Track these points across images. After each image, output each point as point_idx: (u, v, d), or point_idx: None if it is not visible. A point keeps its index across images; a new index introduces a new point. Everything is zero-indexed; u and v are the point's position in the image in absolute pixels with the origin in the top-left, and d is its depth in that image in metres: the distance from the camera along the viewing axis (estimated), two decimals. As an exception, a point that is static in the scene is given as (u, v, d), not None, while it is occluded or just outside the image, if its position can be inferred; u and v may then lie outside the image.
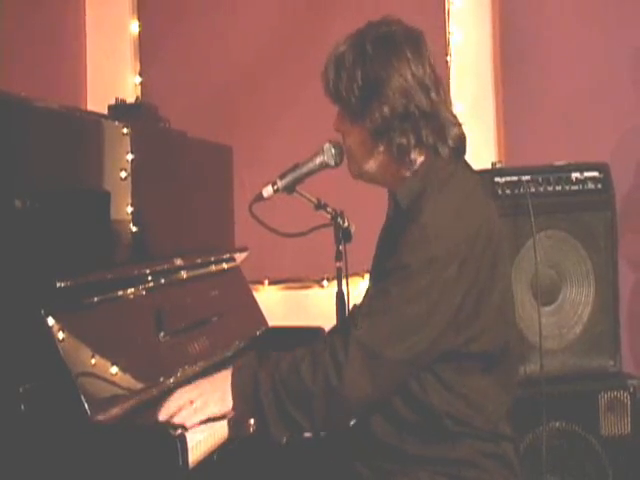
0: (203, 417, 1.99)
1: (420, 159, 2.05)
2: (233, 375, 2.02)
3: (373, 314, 1.97)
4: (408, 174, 2.06)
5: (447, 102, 2.10)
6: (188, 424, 1.96)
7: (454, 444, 2.01)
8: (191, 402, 2.00)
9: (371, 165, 2.09)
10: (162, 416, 1.98)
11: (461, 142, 2.10)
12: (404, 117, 2.00)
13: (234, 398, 1.99)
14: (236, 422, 2.03)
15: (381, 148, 2.05)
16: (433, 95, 2.03)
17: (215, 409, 2.00)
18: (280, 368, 1.99)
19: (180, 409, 1.99)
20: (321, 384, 1.94)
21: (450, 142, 2.05)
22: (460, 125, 2.10)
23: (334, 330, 2.47)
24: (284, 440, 2.05)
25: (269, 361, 2.04)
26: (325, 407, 1.95)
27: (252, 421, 2.02)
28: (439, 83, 2.07)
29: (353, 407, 1.98)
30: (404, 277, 1.94)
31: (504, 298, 2.06)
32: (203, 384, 2.06)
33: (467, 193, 2.04)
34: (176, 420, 1.97)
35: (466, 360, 2.00)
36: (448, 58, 3.98)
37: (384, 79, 2.00)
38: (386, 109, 2.00)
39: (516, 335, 2.16)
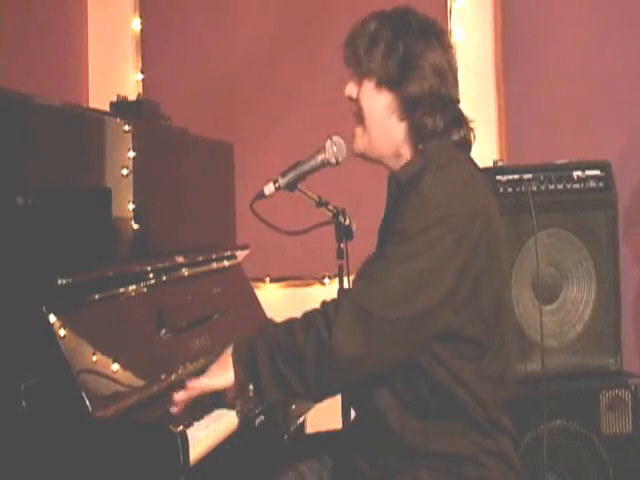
0: (204, 388, 2.04)
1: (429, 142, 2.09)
2: (234, 345, 2.06)
3: (367, 275, 1.99)
4: (410, 153, 2.10)
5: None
6: (193, 392, 2.03)
7: (453, 437, 2.02)
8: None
9: (386, 135, 2.10)
10: (176, 397, 2.05)
11: (468, 137, 2.14)
12: (436, 97, 2.06)
13: (234, 366, 2.02)
14: (237, 388, 2.04)
15: (406, 120, 2.08)
16: (456, 85, 2.11)
17: (217, 378, 2.04)
18: (276, 332, 2.02)
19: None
20: (312, 341, 1.94)
21: (458, 133, 2.11)
22: (468, 122, 2.15)
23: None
24: (279, 404, 2.07)
25: (267, 328, 2.07)
26: (316, 365, 1.94)
27: (251, 386, 2.02)
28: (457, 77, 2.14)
29: (344, 365, 1.95)
30: (399, 240, 1.96)
31: (503, 291, 2.09)
32: (210, 367, 2.10)
33: (468, 177, 2.07)
34: (179, 394, 2.03)
35: (463, 343, 2.00)
36: (450, 56, 3.97)
37: (425, 55, 2.06)
38: (425, 84, 2.05)
39: (513, 330, 2.18)
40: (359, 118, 2.14)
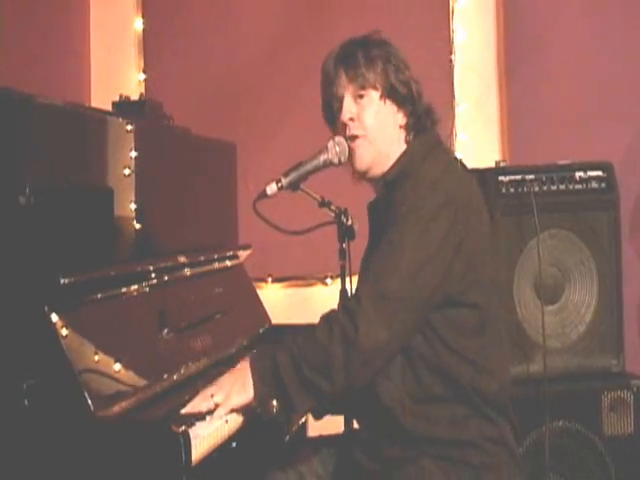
0: (226, 410, 2.03)
1: (408, 140, 2.22)
2: (251, 361, 2.07)
3: (379, 264, 2.05)
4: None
5: None
6: (214, 417, 2.01)
7: (455, 422, 2.04)
8: (212, 396, 2.04)
9: (389, 136, 2.20)
10: (186, 411, 2.03)
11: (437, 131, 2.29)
12: (421, 96, 2.22)
13: (255, 382, 2.03)
14: (259, 406, 2.04)
15: (404, 124, 2.21)
16: None
17: (237, 400, 2.04)
18: (297, 341, 2.04)
19: (202, 403, 2.04)
20: (338, 338, 1.98)
21: (436, 126, 2.26)
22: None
23: None
24: (306, 413, 2.07)
25: (285, 340, 2.08)
26: (345, 362, 1.97)
27: (274, 402, 2.02)
28: None
29: (372, 356, 1.99)
30: (401, 225, 2.04)
31: (496, 270, 2.16)
32: (222, 380, 2.10)
33: (448, 161, 2.20)
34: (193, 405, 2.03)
35: (465, 310, 2.05)
36: (452, 57, 3.98)
37: (405, 62, 2.22)
38: (416, 86, 2.21)
39: (506, 318, 2.25)
40: (358, 134, 2.20)
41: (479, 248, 2.08)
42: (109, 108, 2.73)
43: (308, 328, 2.07)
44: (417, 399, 2.05)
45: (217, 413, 2.03)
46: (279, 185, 2.32)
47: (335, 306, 2.43)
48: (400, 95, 2.19)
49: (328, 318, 2.05)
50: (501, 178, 3.24)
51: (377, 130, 2.19)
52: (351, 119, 2.20)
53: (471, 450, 2.04)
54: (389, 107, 2.19)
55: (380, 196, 2.24)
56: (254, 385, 2.02)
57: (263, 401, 2.02)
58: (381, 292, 1.99)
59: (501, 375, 2.13)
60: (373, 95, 2.18)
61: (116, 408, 1.95)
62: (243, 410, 2.06)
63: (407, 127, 2.21)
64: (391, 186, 2.17)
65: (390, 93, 2.18)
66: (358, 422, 2.24)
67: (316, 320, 2.90)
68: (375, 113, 2.19)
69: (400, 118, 2.21)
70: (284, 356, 2.02)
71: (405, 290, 1.99)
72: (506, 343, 2.19)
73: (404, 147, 2.21)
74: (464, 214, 2.05)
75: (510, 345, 2.27)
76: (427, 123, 2.23)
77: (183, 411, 2.03)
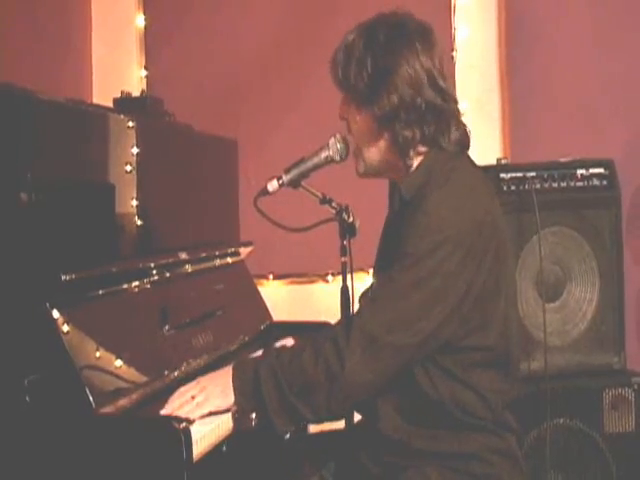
0: (205, 411, 2.01)
1: (423, 151, 2.07)
2: (234, 370, 2.04)
3: (376, 301, 1.99)
4: (411, 167, 2.08)
5: (453, 96, 2.11)
6: (191, 417, 1.98)
7: (460, 439, 2.02)
8: (192, 398, 2.02)
9: (374, 153, 2.10)
10: (165, 412, 2.00)
11: (465, 137, 2.12)
12: (411, 108, 2.02)
13: (235, 393, 2.01)
14: (238, 416, 2.04)
15: (385, 137, 2.07)
16: (440, 88, 2.05)
17: (217, 402, 2.02)
18: (281, 359, 2.01)
19: (182, 405, 2.01)
20: (323, 371, 1.95)
21: (454, 136, 2.08)
22: (463, 121, 2.13)
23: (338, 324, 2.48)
24: (287, 432, 2.05)
25: (270, 353, 2.06)
26: (327, 395, 1.95)
27: (253, 415, 2.02)
28: (446, 77, 2.09)
29: (355, 393, 1.98)
30: (408, 265, 1.96)
31: (510, 298, 2.09)
32: (204, 380, 2.08)
33: (470, 186, 2.05)
34: (179, 414, 1.98)
35: (468, 352, 2.01)
36: (453, 54, 3.97)
37: (393, 68, 2.02)
38: (394, 98, 2.02)
39: (517, 332, 2.16)
40: (352, 137, 2.15)
41: (491, 290, 2.00)
42: (110, 105, 2.73)
43: (295, 345, 2.04)
44: (420, 425, 2.04)
45: (194, 414, 1.99)
46: (280, 182, 2.31)
47: (335, 304, 2.43)
48: (372, 103, 2.03)
49: (316, 346, 1.99)
50: (502, 175, 3.24)
51: (359, 138, 2.11)
52: (341, 118, 2.15)
53: (475, 462, 2.02)
54: (364, 116, 2.07)
55: (397, 208, 2.15)
56: (236, 399, 2.01)
57: (241, 413, 2.02)
58: (373, 336, 1.94)
59: (507, 400, 2.09)
60: (352, 102, 2.09)
61: (117, 405, 1.95)
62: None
63: (394, 137, 2.05)
64: (405, 204, 2.08)
65: (363, 102, 2.05)
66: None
67: (317, 317, 2.92)
68: (354, 122, 2.10)
69: (380, 128, 2.05)
70: (266, 372, 1.99)
71: (397, 338, 1.94)
72: (516, 370, 2.14)
73: (402, 156, 2.07)
74: (474, 257, 1.96)
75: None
76: (422, 129, 2.02)
77: (162, 411, 2.00)
